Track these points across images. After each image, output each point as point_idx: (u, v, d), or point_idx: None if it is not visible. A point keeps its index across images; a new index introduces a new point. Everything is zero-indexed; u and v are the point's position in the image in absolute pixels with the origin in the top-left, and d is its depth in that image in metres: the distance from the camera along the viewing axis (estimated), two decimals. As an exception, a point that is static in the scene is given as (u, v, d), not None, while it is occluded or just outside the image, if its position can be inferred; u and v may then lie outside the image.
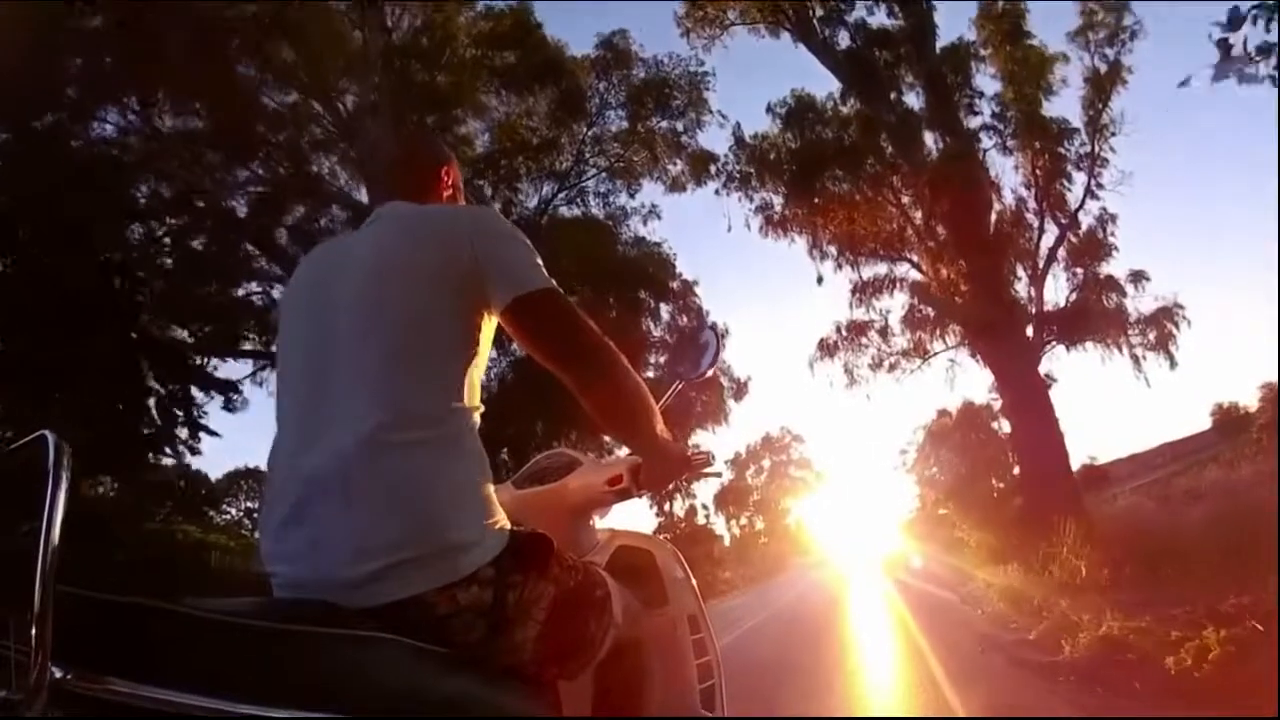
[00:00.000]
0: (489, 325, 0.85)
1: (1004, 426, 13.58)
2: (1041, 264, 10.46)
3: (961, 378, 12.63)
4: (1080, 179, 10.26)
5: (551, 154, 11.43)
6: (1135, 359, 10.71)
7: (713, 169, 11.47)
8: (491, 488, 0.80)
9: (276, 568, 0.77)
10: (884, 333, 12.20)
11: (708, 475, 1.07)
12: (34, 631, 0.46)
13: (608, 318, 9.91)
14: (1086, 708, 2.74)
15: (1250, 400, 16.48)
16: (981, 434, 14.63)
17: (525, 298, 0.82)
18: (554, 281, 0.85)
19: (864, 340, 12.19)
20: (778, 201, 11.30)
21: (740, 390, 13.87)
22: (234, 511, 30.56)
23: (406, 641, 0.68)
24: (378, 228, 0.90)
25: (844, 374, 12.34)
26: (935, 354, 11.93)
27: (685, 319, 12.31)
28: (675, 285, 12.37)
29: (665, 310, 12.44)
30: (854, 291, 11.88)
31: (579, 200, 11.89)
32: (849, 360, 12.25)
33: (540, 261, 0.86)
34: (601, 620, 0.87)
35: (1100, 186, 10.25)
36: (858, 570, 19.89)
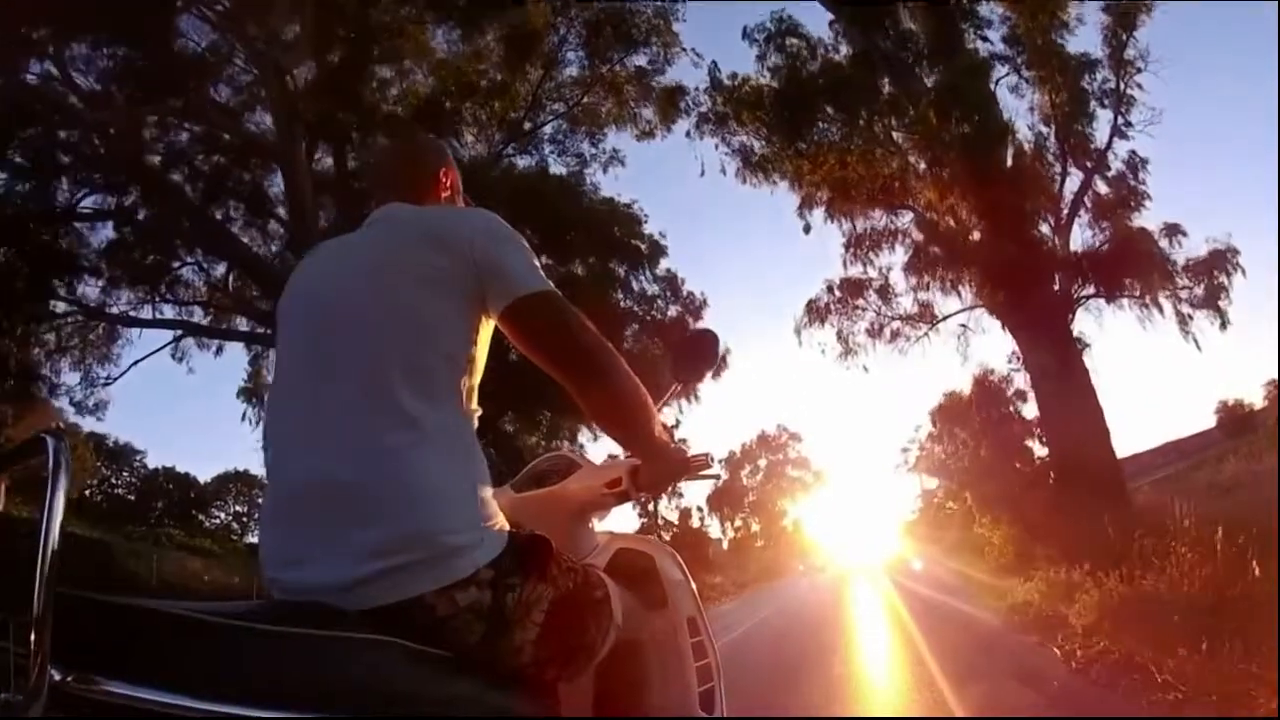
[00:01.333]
0: (487, 328, 0.86)
1: (1022, 408, 11.19)
2: (1066, 212, 8.70)
3: (976, 345, 10.41)
4: (1105, 119, 8.68)
5: (504, 98, 9.93)
6: (1181, 317, 8.62)
7: (683, 105, 9.91)
8: (490, 490, 0.80)
9: (275, 571, 0.77)
10: (884, 292, 10.03)
11: (706, 477, 1.08)
12: (33, 633, 0.46)
13: (570, 288, 9.13)
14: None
15: (1256, 397, 15.59)
16: (1002, 409, 11.86)
17: (523, 300, 0.82)
18: (552, 284, 0.86)
19: (860, 302, 10.08)
20: (758, 145, 9.54)
21: (718, 366, 12.69)
22: (223, 515, 30.38)
23: (405, 644, 0.68)
24: (376, 230, 0.91)
25: (837, 342, 10.20)
26: (944, 318, 9.73)
27: (657, 287, 11.02)
28: (644, 247, 10.70)
29: (638, 279, 10.72)
30: (848, 246, 9.82)
31: (534, 149, 10.34)
32: (843, 326, 10.15)
33: (539, 264, 0.87)
34: (601, 622, 0.87)
35: (1129, 124, 8.66)
36: (861, 576, 18.39)
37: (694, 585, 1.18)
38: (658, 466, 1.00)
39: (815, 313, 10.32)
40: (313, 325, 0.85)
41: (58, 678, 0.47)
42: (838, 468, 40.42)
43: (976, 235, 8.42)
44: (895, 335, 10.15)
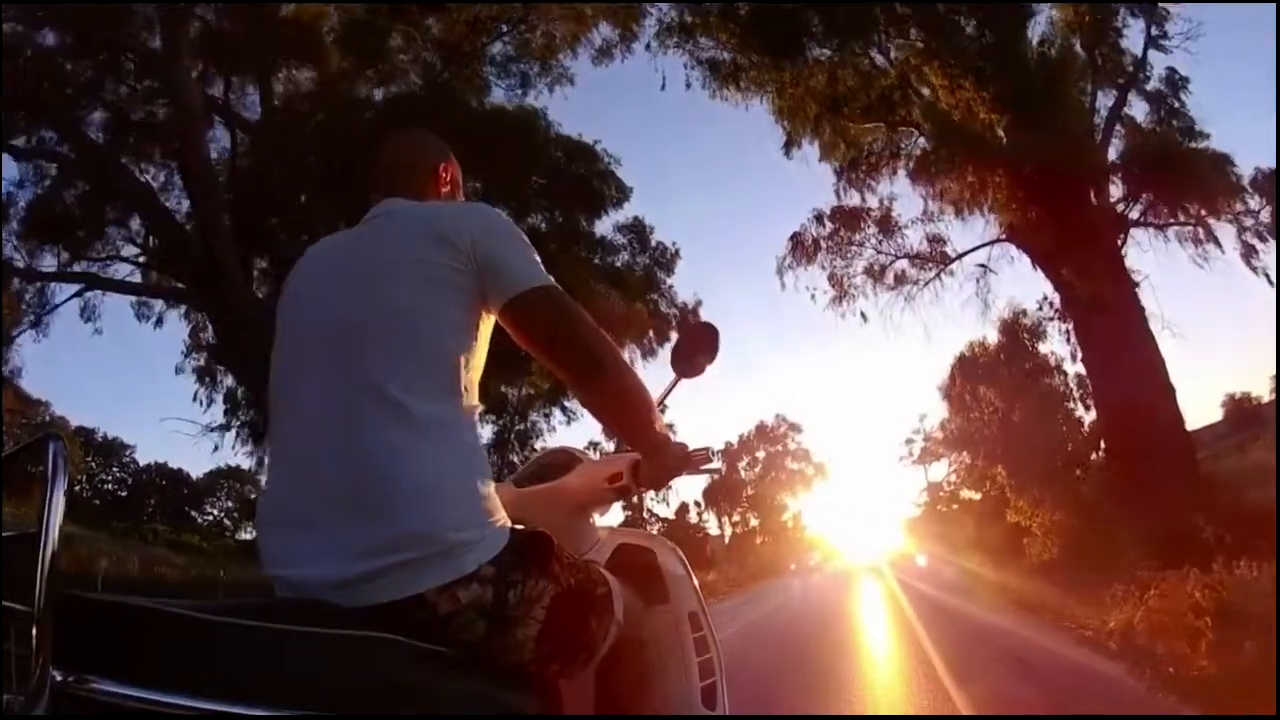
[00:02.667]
0: (487, 323, 0.86)
1: (1056, 364, 8.88)
2: (1100, 130, 7.06)
3: (1001, 289, 8.71)
4: (1136, 31, 7.11)
5: (442, 18, 8.46)
6: (1247, 248, 6.86)
7: (644, 9, 8.29)
8: (491, 486, 0.80)
9: (277, 569, 0.77)
10: (886, 224, 8.01)
11: (707, 472, 1.08)
12: (34, 634, 0.46)
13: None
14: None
15: (1263, 390, 14.77)
16: (1037, 361, 9.13)
17: (523, 295, 0.83)
18: (552, 279, 0.86)
19: (856, 236, 8.11)
20: (730, 57, 7.81)
21: (685, 320, 10.11)
22: (216, 512, 30.23)
23: (407, 641, 0.69)
24: (376, 226, 0.91)
25: (830, 285, 8.13)
26: (959, 256, 7.65)
27: (623, 237, 9.56)
28: (611, 191, 8.86)
29: (594, 225, 9.04)
30: (840, 172, 7.92)
31: (476, 73, 8.70)
32: (836, 266, 8.12)
33: (539, 258, 0.87)
34: (603, 618, 0.87)
35: (1165, 36, 7.14)
36: (866, 576, 16.67)
37: (696, 580, 1.18)
38: (659, 461, 1.00)
39: (802, 249, 8.17)
40: (314, 322, 0.85)
41: (59, 678, 0.47)
42: (840, 460, 39.16)
43: (1002, 126, 6.43)
44: (900, 280, 8.02)
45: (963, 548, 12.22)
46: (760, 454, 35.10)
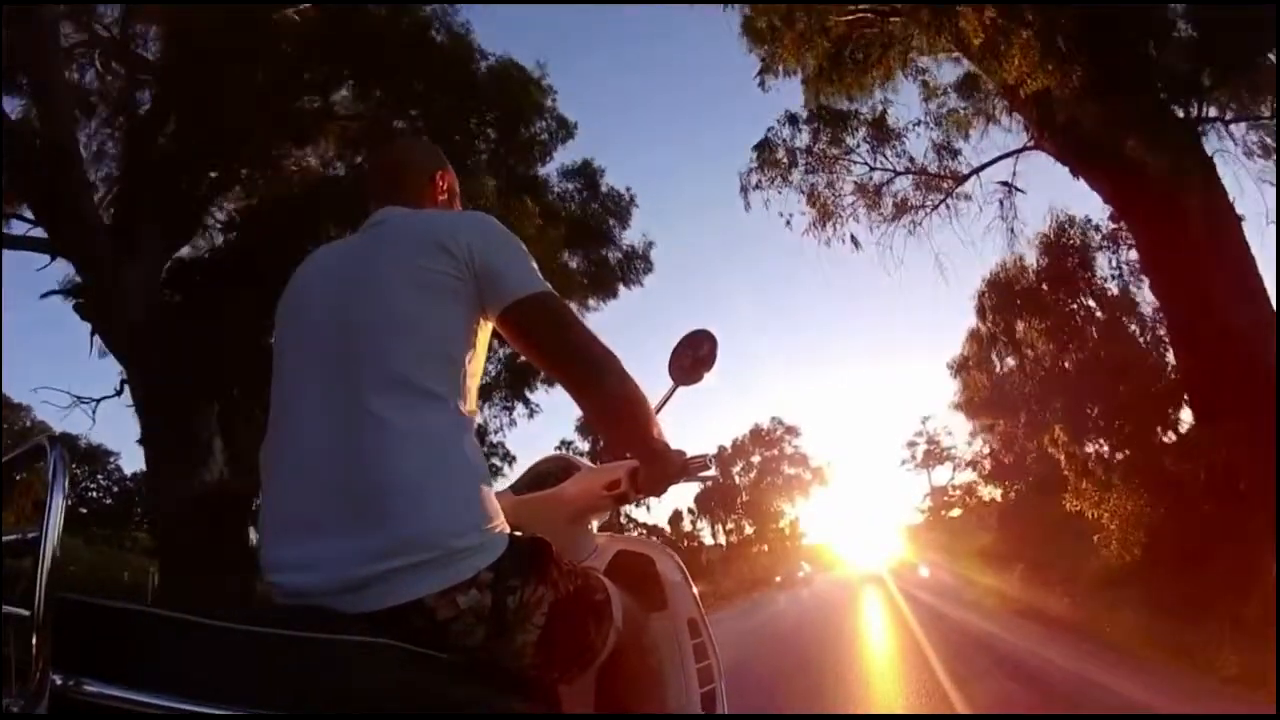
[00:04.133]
0: (485, 330, 0.87)
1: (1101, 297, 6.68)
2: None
3: (1029, 210, 6.88)
4: None
5: None
6: None
7: None
8: (490, 492, 0.81)
9: (276, 575, 0.77)
10: (879, 129, 6.26)
11: (705, 479, 1.09)
12: (34, 637, 0.45)
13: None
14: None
15: None
16: (1091, 283, 6.75)
17: (522, 302, 0.84)
18: (549, 285, 0.87)
19: (838, 148, 6.34)
20: None
21: (632, 263, 8.62)
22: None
23: (405, 647, 0.69)
24: (374, 234, 0.92)
25: (809, 205, 6.42)
26: (975, 171, 5.82)
27: (571, 185, 8.36)
28: (549, 121, 7.62)
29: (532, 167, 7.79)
30: (820, 70, 6.15)
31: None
32: (816, 184, 6.36)
33: (536, 265, 0.88)
34: (601, 624, 0.87)
35: None
36: (867, 587, 15.17)
37: (694, 587, 1.19)
38: (656, 468, 1.00)
39: (772, 163, 6.42)
40: (313, 330, 0.85)
41: (58, 681, 0.47)
42: (839, 464, 36.98)
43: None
44: (902, 206, 6.20)
45: (972, 556, 10.97)
46: (756, 458, 34.29)
